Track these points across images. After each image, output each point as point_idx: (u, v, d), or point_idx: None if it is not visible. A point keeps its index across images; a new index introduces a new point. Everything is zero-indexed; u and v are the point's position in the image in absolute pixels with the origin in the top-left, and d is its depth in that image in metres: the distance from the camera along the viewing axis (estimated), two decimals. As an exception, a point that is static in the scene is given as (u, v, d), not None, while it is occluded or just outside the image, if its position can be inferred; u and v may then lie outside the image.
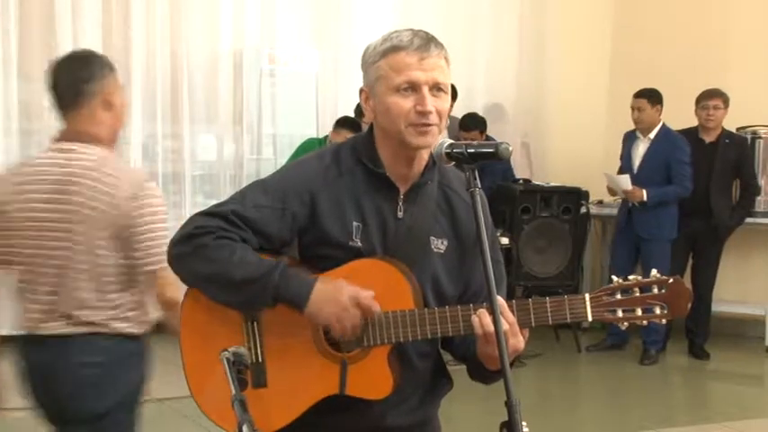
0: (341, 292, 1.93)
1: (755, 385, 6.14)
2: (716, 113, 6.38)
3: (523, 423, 1.68)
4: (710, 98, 6.37)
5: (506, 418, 1.69)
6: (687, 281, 6.46)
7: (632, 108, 6.42)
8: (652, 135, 6.34)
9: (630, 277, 1.95)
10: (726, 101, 6.38)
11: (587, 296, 1.95)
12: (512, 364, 1.91)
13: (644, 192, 6.23)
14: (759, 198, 6.89)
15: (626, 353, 6.53)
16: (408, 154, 2.01)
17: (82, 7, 6.26)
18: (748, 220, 6.82)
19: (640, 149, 6.41)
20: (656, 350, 6.42)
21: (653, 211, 6.25)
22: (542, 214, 6.58)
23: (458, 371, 2.17)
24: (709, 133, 6.45)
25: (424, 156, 2.03)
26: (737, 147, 6.53)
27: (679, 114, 6.57)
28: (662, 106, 6.34)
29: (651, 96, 6.34)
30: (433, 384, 2.16)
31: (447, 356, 2.18)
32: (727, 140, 6.46)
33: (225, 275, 1.95)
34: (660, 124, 6.35)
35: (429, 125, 1.94)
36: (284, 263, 1.95)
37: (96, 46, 6.34)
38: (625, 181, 6.40)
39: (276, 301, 1.94)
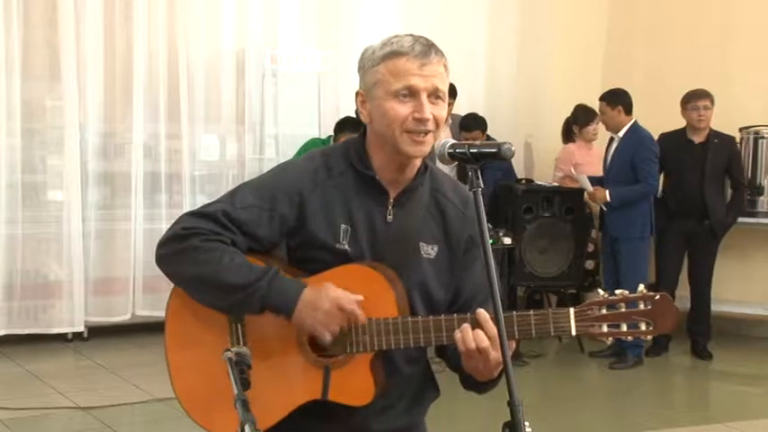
0: (324, 299, 1.91)
1: (759, 385, 6.12)
2: (706, 114, 6.34)
3: (526, 423, 1.68)
4: (700, 99, 6.33)
5: (509, 419, 1.69)
6: (685, 282, 6.49)
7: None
8: (621, 134, 6.28)
9: (617, 291, 1.94)
10: (713, 100, 6.36)
11: (572, 310, 1.93)
12: (499, 377, 1.92)
13: (606, 192, 6.18)
14: (762, 198, 6.88)
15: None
16: (401, 160, 2.00)
17: (84, 8, 6.27)
18: (750, 220, 6.82)
19: (611, 150, 6.39)
20: (635, 356, 6.20)
21: (621, 210, 6.17)
22: (545, 214, 6.57)
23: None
24: (699, 134, 6.42)
25: (417, 162, 2.02)
26: (727, 146, 6.50)
27: (680, 115, 6.55)
28: (625, 106, 6.21)
29: (610, 98, 6.27)
30: (420, 391, 2.14)
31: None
32: (716, 140, 6.43)
33: (212, 279, 1.94)
34: (630, 123, 6.24)
35: (426, 133, 1.94)
36: (275, 269, 1.94)
37: (98, 46, 6.38)
38: (585, 182, 6.37)
39: (263, 309, 1.94)
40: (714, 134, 6.44)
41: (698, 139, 6.43)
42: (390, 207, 2.03)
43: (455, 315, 1.94)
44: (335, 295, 1.92)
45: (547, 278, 6.61)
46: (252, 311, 1.96)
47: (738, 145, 6.97)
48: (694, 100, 6.35)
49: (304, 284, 1.94)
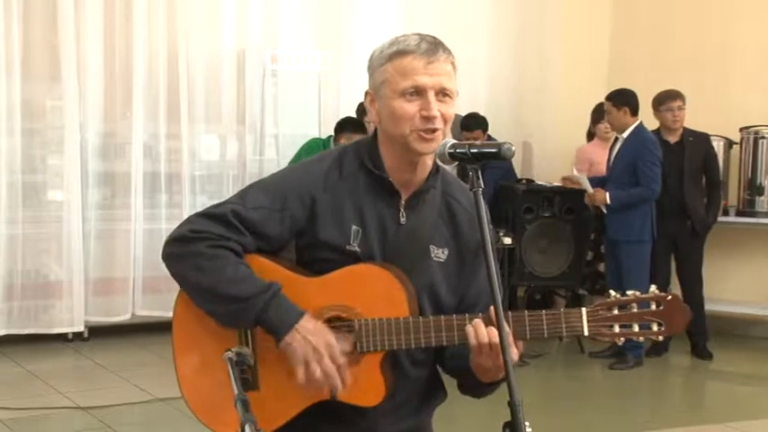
0: (320, 338, 1.90)
1: (759, 385, 6.12)
2: (680, 114, 6.33)
3: (526, 423, 1.67)
4: (675, 99, 6.30)
5: (509, 419, 1.68)
6: (675, 283, 6.45)
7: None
8: (625, 135, 6.23)
9: (629, 292, 1.94)
10: (684, 100, 6.34)
11: (584, 310, 1.93)
12: (501, 380, 1.91)
13: (606, 194, 6.14)
14: (762, 198, 6.88)
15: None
16: (412, 159, 2.00)
17: (84, 8, 6.27)
18: (749, 219, 6.82)
19: (615, 150, 6.35)
20: (635, 357, 6.18)
21: (620, 212, 6.13)
22: (545, 214, 6.57)
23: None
24: (674, 134, 6.40)
25: (428, 162, 2.02)
26: (703, 144, 6.49)
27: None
28: (631, 107, 6.13)
29: (616, 98, 6.21)
30: (427, 393, 2.14)
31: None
32: (691, 138, 6.41)
33: (214, 289, 1.93)
34: (635, 125, 6.17)
35: (434, 131, 1.93)
36: (277, 287, 1.93)
37: (98, 46, 6.38)
38: (585, 182, 6.32)
39: (257, 324, 1.93)
40: (688, 133, 6.43)
41: (673, 139, 6.42)
42: (402, 209, 2.02)
43: (467, 315, 1.94)
44: (332, 341, 1.91)
45: (547, 278, 6.61)
46: (245, 325, 1.96)
47: (738, 145, 6.99)
48: (668, 101, 6.32)
49: (303, 311, 1.93)
